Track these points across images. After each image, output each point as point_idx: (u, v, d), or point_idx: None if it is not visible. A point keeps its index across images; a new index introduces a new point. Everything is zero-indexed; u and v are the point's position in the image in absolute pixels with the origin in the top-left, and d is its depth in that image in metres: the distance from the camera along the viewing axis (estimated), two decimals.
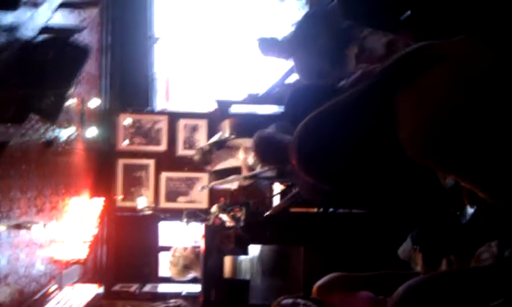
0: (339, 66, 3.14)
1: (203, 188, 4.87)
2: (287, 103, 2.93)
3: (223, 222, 3.76)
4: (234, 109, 4.87)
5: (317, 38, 3.19)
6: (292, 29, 3.25)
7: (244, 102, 4.90)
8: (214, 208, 3.93)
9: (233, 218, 3.57)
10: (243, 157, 4.08)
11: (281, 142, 2.18)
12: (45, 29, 3.86)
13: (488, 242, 1.44)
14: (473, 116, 1.09)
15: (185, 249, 4.75)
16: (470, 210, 1.66)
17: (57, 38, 3.95)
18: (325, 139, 1.21)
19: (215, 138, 4.54)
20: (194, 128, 5.78)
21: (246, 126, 4.20)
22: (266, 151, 2.33)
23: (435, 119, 1.11)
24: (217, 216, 3.92)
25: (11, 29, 3.52)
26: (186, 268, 4.76)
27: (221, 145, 4.44)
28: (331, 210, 2.85)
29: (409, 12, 1.99)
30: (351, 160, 1.21)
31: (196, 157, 4.30)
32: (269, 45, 3.26)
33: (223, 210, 4.00)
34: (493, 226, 1.49)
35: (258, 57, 3.37)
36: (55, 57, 3.71)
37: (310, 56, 3.17)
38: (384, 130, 1.17)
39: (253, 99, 4.82)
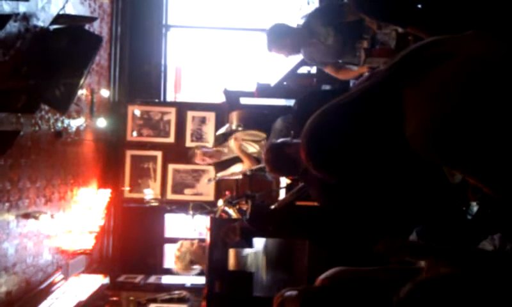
0: (349, 59, 3.13)
1: (209, 180, 4.88)
2: (297, 109, 2.93)
3: (229, 215, 3.77)
4: (242, 101, 4.87)
5: (327, 32, 3.17)
6: (303, 21, 3.23)
7: (253, 92, 4.90)
8: (220, 202, 3.94)
9: (239, 211, 3.58)
10: (237, 147, 4.06)
11: (293, 150, 2.19)
12: (57, 19, 3.88)
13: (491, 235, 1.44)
14: (479, 113, 1.08)
15: (192, 244, 4.77)
16: (475, 206, 1.65)
17: (70, 27, 3.97)
18: (333, 132, 1.22)
19: (223, 130, 4.56)
20: (202, 121, 5.79)
21: (253, 118, 4.20)
22: (278, 161, 2.34)
23: (442, 115, 1.10)
24: (223, 210, 3.93)
25: (24, 19, 3.55)
26: (192, 263, 4.77)
27: (227, 136, 4.46)
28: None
29: (419, 6, 1.97)
30: (358, 154, 1.21)
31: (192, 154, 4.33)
32: (280, 34, 3.18)
33: (228, 203, 4.02)
34: (498, 221, 1.48)
35: (266, 50, 3.34)
36: (67, 47, 3.73)
37: (319, 50, 3.16)
38: (391, 126, 1.17)
39: (263, 89, 4.82)
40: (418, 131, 1.12)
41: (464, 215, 1.73)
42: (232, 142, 4.14)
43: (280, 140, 2.47)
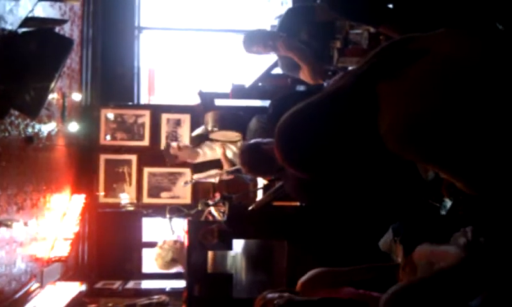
0: (322, 60, 3.17)
1: (186, 183, 4.86)
2: (272, 110, 2.94)
3: (205, 218, 3.75)
4: (217, 102, 4.86)
5: (299, 33, 3.21)
6: (276, 23, 3.28)
7: (228, 93, 4.90)
8: (200, 205, 3.93)
9: (222, 213, 3.56)
10: (222, 151, 4.09)
11: (268, 148, 2.18)
12: (26, 22, 3.79)
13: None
14: (453, 110, 1.11)
15: (176, 242, 4.73)
16: (449, 202, 1.69)
17: (39, 30, 3.88)
18: (306, 130, 1.22)
19: (198, 131, 4.54)
20: (177, 123, 5.74)
21: (229, 119, 4.20)
22: (254, 161, 2.33)
23: (417, 111, 1.12)
24: (210, 212, 3.91)
25: None
26: (173, 261, 4.74)
27: (203, 138, 4.44)
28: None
29: (391, 5, 2.00)
30: (331, 151, 1.21)
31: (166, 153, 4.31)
32: (255, 38, 3.30)
33: (205, 205, 4.00)
34: (470, 216, 1.51)
35: (242, 51, 3.40)
36: (37, 50, 3.65)
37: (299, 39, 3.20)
38: (365, 123, 1.18)
39: (237, 90, 4.83)
40: (393, 127, 1.14)
41: (438, 211, 1.76)
42: (217, 148, 4.14)
43: (253, 140, 2.47)
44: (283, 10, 4.77)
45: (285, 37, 3.16)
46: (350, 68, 2.73)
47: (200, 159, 4.35)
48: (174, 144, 4.35)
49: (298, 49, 3.14)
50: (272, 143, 1.53)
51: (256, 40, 3.29)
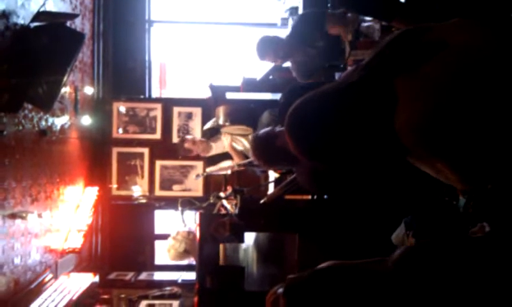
0: (336, 62, 3.18)
1: (198, 176, 4.88)
2: (283, 102, 2.93)
3: (218, 210, 3.77)
4: (228, 95, 4.87)
5: (312, 37, 3.24)
6: (287, 15, 3.30)
7: (238, 86, 4.91)
8: (211, 198, 3.95)
9: (235, 206, 3.58)
10: (228, 142, 4.09)
11: (279, 138, 2.14)
12: (37, 16, 3.82)
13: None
14: (473, 107, 1.09)
15: (189, 233, 4.75)
16: (463, 200, 1.68)
17: (51, 24, 3.91)
18: (317, 118, 1.20)
19: (209, 124, 4.55)
20: (188, 116, 5.76)
21: (240, 112, 4.20)
22: (267, 152, 2.27)
23: (435, 108, 1.11)
24: (222, 205, 3.93)
25: (3, 16, 3.48)
26: (186, 252, 4.77)
27: (214, 132, 4.45)
28: (326, 197, 2.86)
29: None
30: (342, 139, 1.20)
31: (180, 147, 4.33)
32: (266, 50, 3.40)
33: (217, 198, 4.02)
34: (482, 213, 1.51)
35: (252, 45, 3.43)
36: (49, 44, 3.67)
37: (307, 55, 3.24)
38: (379, 115, 1.16)
39: (248, 83, 4.83)
40: (410, 122, 1.13)
41: (453, 207, 1.76)
42: (224, 140, 4.15)
43: (263, 131, 2.41)
44: (293, 2, 4.74)
45: None
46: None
47: (212, 152, 4.36)
48: (189, 137, 4.36)
49: None
50: (283, 132, 1.52)
51: (267, 51, 3.36)
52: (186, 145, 4.30)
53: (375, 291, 1.17)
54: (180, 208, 4.25)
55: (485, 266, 1.08)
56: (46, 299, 4.20)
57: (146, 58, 6.04)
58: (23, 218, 3.87)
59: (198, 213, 3.66)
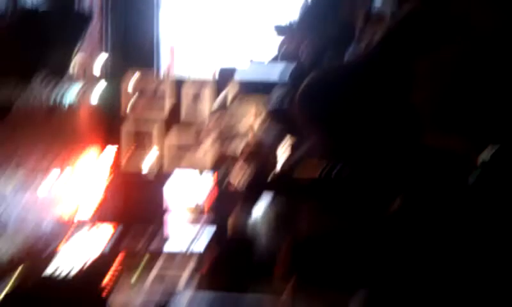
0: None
1: (207, 152, 4.92)
2: (294, 74, 2.93)
3: (230, 184, 3.83)
4: (237, 76, 4.89)
5: (325, 21, 3.23)
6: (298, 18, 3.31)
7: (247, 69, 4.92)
8: (221, 172, 4.00)
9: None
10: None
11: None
12: None
13: None
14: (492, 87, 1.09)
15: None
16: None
17: (59, 4, 3.94)
18: (330, 87, 1.21)
19: (218, 103, 4.58)
20: (197, 95, 5.79)
21: (249, 93, 4.23)
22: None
23: (455, 89, 1.11)
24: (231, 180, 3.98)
25: None
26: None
27: (223, 111, 4.49)
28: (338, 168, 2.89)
29: None
30: (354, 112, 1.20)
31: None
32: (282, 31, 3.40)
33: (226, 173, 4.08)
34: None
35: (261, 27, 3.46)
36: (57, 24, 3.71)
37: (320, 39, 3.23)
38: (395, 91, 1.16)
39: (257, 66, 4.85)
40: (429, 102, 1.14)
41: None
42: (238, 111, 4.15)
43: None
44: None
45: None
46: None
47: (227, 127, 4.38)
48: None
49: None
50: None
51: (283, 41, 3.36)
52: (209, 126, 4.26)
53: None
54: (190, 183, 4.23)
55: None
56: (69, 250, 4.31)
57: (155, 36, 6.04)
58: (36, 185, 3.94)
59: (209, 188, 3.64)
